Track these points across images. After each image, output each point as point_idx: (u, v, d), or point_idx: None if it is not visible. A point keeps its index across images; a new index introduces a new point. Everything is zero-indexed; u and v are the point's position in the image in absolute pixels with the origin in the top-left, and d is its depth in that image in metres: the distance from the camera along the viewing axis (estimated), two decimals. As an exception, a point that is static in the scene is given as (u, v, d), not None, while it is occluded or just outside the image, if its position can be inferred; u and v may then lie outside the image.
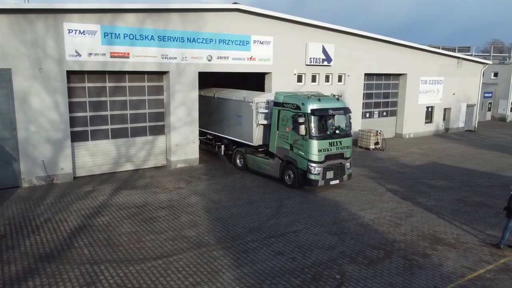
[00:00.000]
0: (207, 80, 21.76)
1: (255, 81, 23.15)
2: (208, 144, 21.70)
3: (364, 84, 26.49)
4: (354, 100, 25.13)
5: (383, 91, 28.62)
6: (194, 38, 18.64)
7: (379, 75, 27.99)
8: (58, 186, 15.85)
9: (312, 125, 15.23)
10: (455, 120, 32.89)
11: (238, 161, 19.17)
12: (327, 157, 15.46)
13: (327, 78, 24.14)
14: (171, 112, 18.75)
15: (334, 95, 16.67)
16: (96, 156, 17.60)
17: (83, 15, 15.91)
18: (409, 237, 11.78)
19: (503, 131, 34.67)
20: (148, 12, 17.30)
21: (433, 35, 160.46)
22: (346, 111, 16.10)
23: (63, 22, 15.55)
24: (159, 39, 17.74)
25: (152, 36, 17.55)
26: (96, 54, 16.35)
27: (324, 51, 23.28)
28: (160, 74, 18.80)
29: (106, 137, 17.84)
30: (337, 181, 16.00)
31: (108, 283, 8.95)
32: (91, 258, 10.05)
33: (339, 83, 24.71)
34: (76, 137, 17.00)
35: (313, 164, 15.27)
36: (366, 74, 26.37)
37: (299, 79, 22.94)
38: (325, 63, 23.48)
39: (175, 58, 18.29)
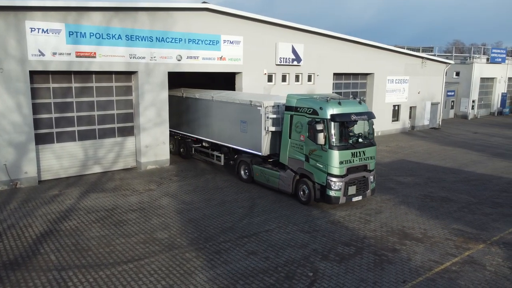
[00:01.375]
0: (175, 80, 21.50)
1: (224, 81, 23.09)
2: (204, 153, 19.85)
3: (333, 83, 26.93)
4: (324, 99, 25.46)
5: (351, 90, 29.13)
6: (163, 38, 18.38)
7: (347, 75, 28.52)
8: (22, 191, 15.27)
9: (332, 132, 13.16)
10: (420, 118, 33.93)
11: (242, 172, 17.04)
12: (349, 170, 13.43)
13: (297, 78, 24.40)
14: (141, 112, 18.42)
15: (355, 98, 14.86)
16: (62, 158, 17.07)
17: (46, 13, 15.39)
18: (379, 233, 12.05)
19: (465, 128, 36.04)
20: (115, 10, 16.92)
21: (399, 35, 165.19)
22: (370, 116, 14.09)
23: (25, 20, 14.99)
24: (127, 39, 17.40)
25: (119, 35, 17.18)
26: (60, 54, 15.86)
27: (294, 51, 23.49)
28: (128, 74, 18.43)
29: (73, 139, 17.32)
30: (360, 198, 13.98)
31: (77, 289, 8.70)
32: (58, 264, 9.73)
33: (309, 83, 25.02)
34: (41, 139, 16.43)
35: (334, 179, 13.24)
36: (335, 74, 26.81)
37: (270, 79, 23.06)
38: (295, 63, 23.71)
39: (143, 57, 17.98)
